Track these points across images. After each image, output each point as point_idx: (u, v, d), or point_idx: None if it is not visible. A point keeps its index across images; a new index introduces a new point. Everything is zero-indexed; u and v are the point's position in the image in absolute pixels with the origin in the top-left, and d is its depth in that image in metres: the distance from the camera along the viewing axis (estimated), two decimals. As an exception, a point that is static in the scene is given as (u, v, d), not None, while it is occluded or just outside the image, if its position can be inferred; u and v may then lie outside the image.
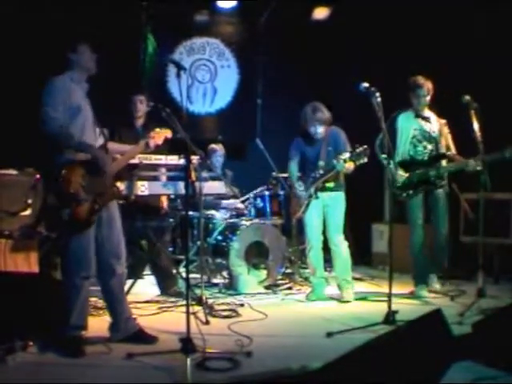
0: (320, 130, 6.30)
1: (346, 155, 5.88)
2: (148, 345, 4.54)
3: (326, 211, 6.37)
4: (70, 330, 4.43)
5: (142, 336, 4.67)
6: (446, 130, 6.49)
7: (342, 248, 6.36)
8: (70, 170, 4.34)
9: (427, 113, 6.52)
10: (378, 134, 6.12)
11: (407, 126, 6.43)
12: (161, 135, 5.07)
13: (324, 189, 6.31)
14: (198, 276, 6.39)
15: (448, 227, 6.54)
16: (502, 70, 7.21)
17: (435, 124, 6.50)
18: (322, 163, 6.30)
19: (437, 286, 6.55)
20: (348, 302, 6.27)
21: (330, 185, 6.31)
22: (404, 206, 6.53)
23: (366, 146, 5.80)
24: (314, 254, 6.42)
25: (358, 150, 5.81)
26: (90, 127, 4.58)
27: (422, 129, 6.46)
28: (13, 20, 7.63)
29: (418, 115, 6.47)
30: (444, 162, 6.39)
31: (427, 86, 6.34)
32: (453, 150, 6.42)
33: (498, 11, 7.30)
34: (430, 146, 6.44)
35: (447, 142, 6.47)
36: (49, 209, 4.76)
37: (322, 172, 6.23)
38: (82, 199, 4.33)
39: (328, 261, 6.66)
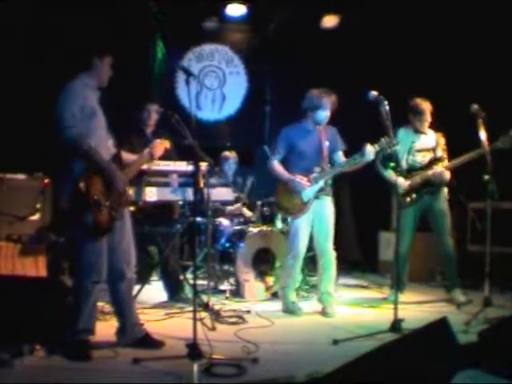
0: (328, 113, 6.09)
1: (376, 146, 5.67)
2: (154, 350, 4.55)
3: (316, 218, 6.09)
4: (78, 333, 4.44)
5: (148, 341, 4.68)
6: (442, 140, 6.63)
7: (331, 258, 6.11)
8: (91, 177, 4.35)
9: (425, 129, 6.65)
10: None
11: (406, 139, 6.53)
12: (161, 146, 5.09)
13: (316, 196, 6.09)
14: (204, 282, 6.41)
15: (451, 234, 6.61)
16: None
17: (432, 136, 6.65)
18: (337, 154, 6.17)
19: (461, 298, 6.50)
20: (332, 317, 5.97)
21: (324, 192, 6.12)
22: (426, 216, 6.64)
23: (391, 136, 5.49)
24: (298, 265, 6.18)
25: (384, 140, 5.56)
26: (103, 134, 4.58)
27: (420, 141, 6.61)
28: (24, 24, 7.69)
29: (417, 131, 6.61)
30: (441, 165, 6.48)
31: (429, 108, 6.51)
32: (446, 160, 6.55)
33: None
34: (428, 155, 6.55)
35: (442, 147, 6.61)
36: (61, 214, 4.76)
37: (331, 166, 6.06)
38: (102, 206, 4.36)
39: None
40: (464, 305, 6.25)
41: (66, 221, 4.58)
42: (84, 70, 4.59)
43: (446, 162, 6.48)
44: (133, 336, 4.68)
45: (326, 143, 6.11)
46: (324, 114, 6.07)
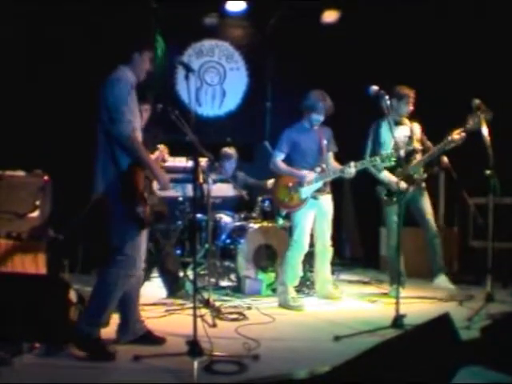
0: (322, 118, 6.29)
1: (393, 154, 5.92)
2: (156, 346, 4.53)
3: (318, 214, 6.33)
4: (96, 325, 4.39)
5: (150, 338, 4.66)
6: (417, 129, 6.68)
7: (330, 252, 6.46)
8: (137, 172, 4.31)
9: (405, 116, 6.69)
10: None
11: (388, 133, 6.42)
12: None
13: (321, 190, 6.29)
14: (205, 278, 6.39)
15: (432, 216, 6.67)
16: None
17: (408, 127, 6.67)
18: (328, 155, 6.36)
19: (447, 284, 6.46)
20: (340, 297, 6.54)
21: (324, 192, 6.33)
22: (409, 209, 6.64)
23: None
24: (301, 259, 6.30)
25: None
26: (139, 131, 4.52)
27: (401, 134, 6.59)
28: (24, 23, 7.69)
29: (397, 122, 6.61)
30: (418, 157, 6.54)
31: (412, 93, 6.53)
32: (427, 143, 6.62)
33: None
34: (409, 148, 6.56)
35: (417, 137, 6.65)
36: (98, 205, 4.73)
37: (331, 170, 6.23)
38: (147, 200, 4.35)
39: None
40: (465, 300, 6.23)
41: (104, 212, 4.49)
42: (123, 63, 4.49)
43: (420, 155, 6.55)
44: (134, 333, 4.65)
45: (325, 142, 6.32)
46: (317, 117, 6.26)
